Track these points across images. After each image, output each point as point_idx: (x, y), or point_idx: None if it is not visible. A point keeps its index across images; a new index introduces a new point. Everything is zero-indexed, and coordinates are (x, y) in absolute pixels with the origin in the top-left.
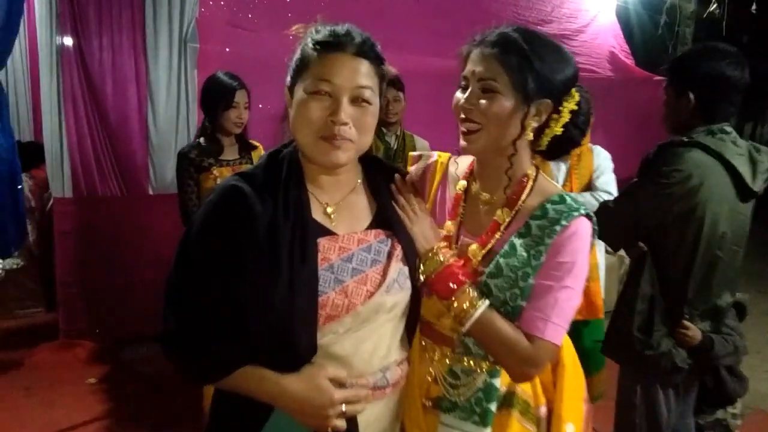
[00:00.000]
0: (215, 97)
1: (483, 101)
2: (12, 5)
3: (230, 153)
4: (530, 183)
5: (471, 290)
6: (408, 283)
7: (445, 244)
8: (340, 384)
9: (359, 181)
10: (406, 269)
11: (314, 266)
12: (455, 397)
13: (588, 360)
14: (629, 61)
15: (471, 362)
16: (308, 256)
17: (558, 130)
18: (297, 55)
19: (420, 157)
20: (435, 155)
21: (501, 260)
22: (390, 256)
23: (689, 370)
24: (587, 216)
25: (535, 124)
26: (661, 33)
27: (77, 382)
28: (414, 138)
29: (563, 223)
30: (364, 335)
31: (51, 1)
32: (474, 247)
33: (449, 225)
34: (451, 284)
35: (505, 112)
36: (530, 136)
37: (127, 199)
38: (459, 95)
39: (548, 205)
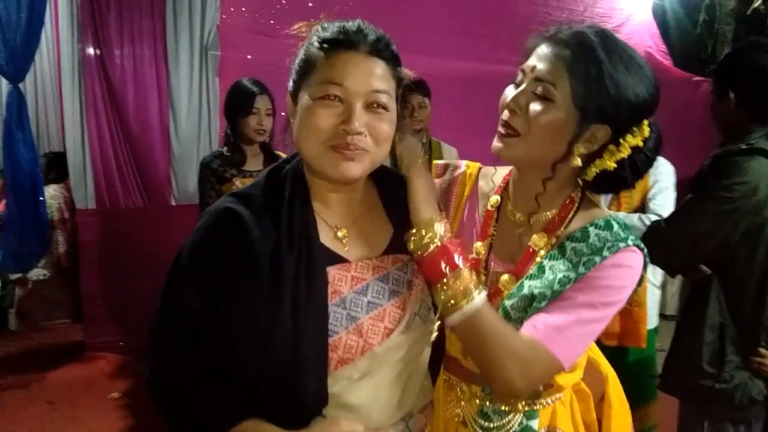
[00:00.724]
0: (235, 103)
1: (533, 106)
2: (33, 15)
3: (254, 164)
4: (574, 208)
5: (468, 276)
6: (431, 316)
7: (446, 219)
8: None
9: (372, 198)
10: (429, 300)
11: (323, 301)
12: None
13: (632, 392)
14: (667, 62)
15: (504, 402)
16: (316, 290)
17: (610, 164)
18: (300, 56)
19: (446, 167)
20: (463, 165)
21: (525, 282)
22: (410, 285)
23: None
24: (637, 247)
25: (584, 151)
26: (700, 32)
27: (100, 397)
28: (441, 146)
29: (605, 254)
30: (383, 380)
31: (73, 12)
32: (506, 278)
33: (478, 247)
34: (443, 265)
35: (553, 127)
36: (577, 161)
37: (150, 210)
38: (509, 91)
39: (591, 229)
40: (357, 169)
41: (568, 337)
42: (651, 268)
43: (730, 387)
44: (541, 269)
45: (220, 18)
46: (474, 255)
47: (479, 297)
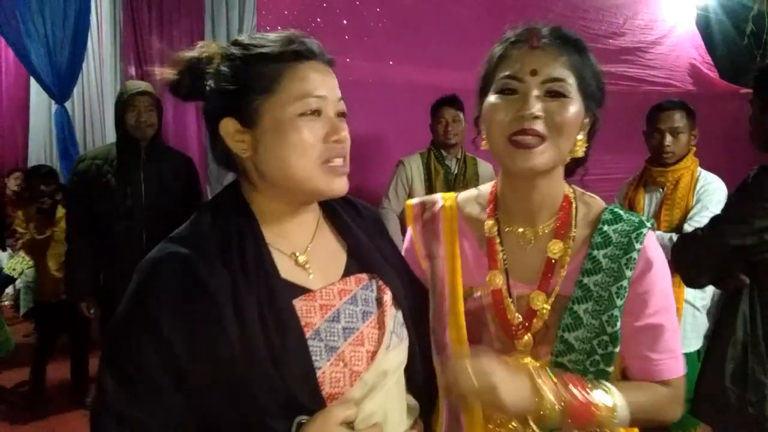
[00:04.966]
0: None
1: (556, 107)
2: (77, 35)
3: None
4: (574, 204)
5: (601, 403)
6: (404, 332)
7: (549, 382)
8: (350, 426)
9: (320, 218)
10: (400, 315)
11: (301, 337)
12: None
13: None
14: (712, 74)
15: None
16: (289, 328)
17: (580, 152)
18: (243, 72)
19: (423, 205)
20: (439, 199)
21: (575, 307)
22: (380, 303)
23: None
24: (651, 226)
25: (583, 138)
26: (748, 43)
27: None
28: (477, 162)
29: (637, 246)
30: (373, 406)
31: (115, 33)
32: (534, 295)
33: (494, 276)
34: (585, 418)
35: (575, 122)
36: (579, 152)
37: None
38: (497, 101)
39: (605, 228)
40: (346, 181)
41: (678, 354)
42: (693, 291)
43: (762, 414)
44: (585, 289)
45: (257, 25)
46: (492, 287)
47: (619, 404)
